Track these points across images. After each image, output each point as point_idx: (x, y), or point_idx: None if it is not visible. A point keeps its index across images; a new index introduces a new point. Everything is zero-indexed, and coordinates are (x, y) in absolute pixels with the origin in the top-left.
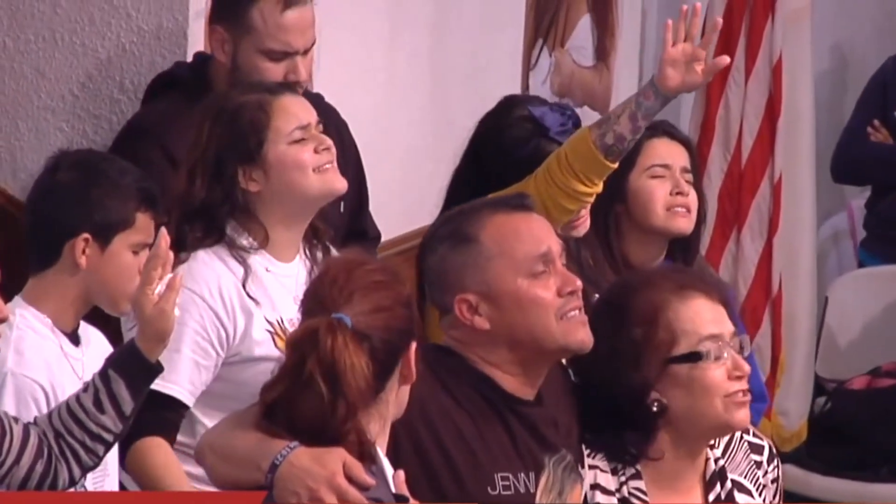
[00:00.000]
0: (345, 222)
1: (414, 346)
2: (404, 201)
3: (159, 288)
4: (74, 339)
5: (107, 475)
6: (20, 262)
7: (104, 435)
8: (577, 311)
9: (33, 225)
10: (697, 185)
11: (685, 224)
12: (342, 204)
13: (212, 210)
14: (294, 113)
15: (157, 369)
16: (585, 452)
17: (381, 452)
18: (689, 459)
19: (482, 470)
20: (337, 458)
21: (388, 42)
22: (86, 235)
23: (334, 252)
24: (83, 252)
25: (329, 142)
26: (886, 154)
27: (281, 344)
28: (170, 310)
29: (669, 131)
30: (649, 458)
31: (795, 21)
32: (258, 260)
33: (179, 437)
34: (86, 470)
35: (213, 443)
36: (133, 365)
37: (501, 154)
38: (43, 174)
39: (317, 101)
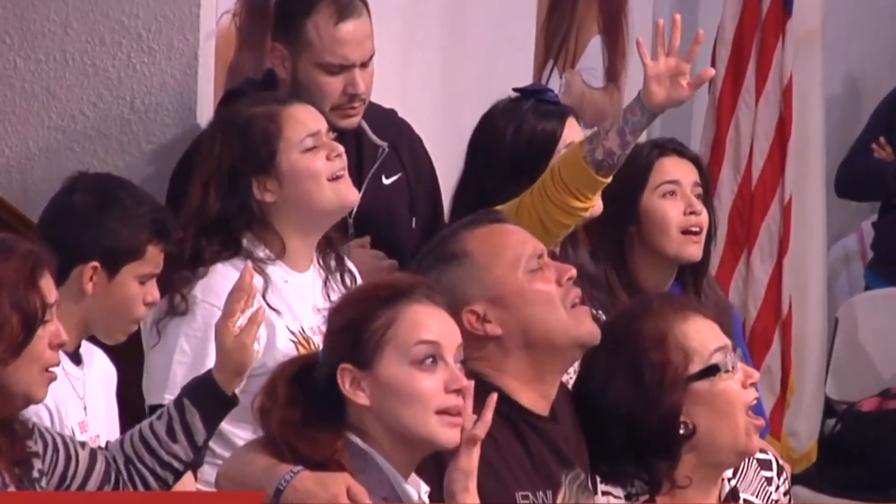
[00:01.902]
0: (417, 238)
1: (343, 369)
2: None
3: (241, 321)
4: (75, 358)
5: None
6: None
7: (174, 464)
8: (578, 301)
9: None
10: (708, 202)
11: (696, 251)
12: (413, 220)
13: (228, 223)
14: (304, 121)
15: (232, 401)
16: (598, 480)
17: (398, 477)
18: (706, 485)
19: (505, 489)
20: (340, 481)
21: (401, 64)
22: (95, 263)
23: (348, 262)
24: (91, 279)
25: (341, 149)
26: (886, 171)
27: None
28: (250, 343)
29: (678, 149)
30: (677, 485)
31: (806, 43)
32: (276, 271)
33: (218, 450)
34: None
35: (228, 470)
36: (209, 397)
37: (494, 143)
38: (59, 194)
39: (389, 116)
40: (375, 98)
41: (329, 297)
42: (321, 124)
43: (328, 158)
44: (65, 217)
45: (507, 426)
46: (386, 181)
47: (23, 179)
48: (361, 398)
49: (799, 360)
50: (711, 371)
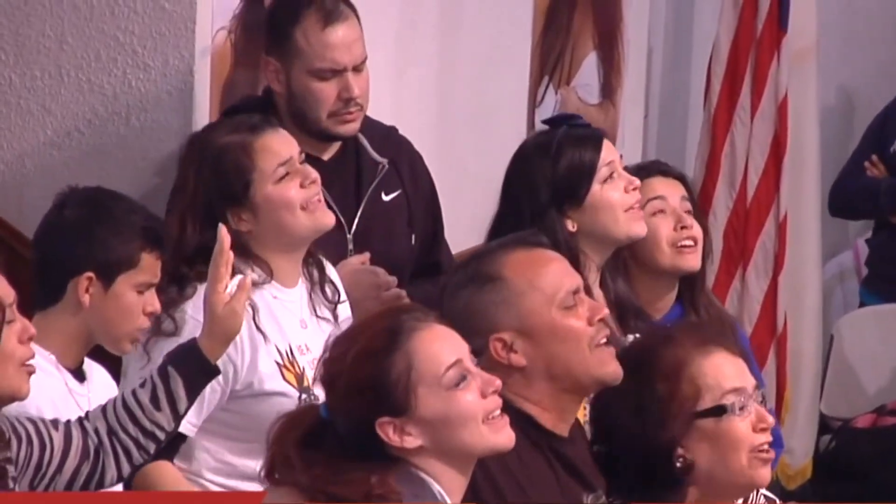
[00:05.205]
0: (416, 255)
1: (381, 423)
2: None
3: (231, 287)
4: (79, 375)
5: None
6: (24, 298)
7: (157, 432)
8: (606, 341)
9: (39, 262)
10: (699, 219)
11: (693, 260)
12: (413, 236)
13: (209, 252)
14: (275, 150)
15: (216, 370)
16: None
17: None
18: None
19: None
20: None
21: (395, 80)
22: (89, 274)
23: (329, 267)
24: (86, 290)
25: (315, 175)
26: (877, 188)
27: (289, 376)
28: (240, 310)
29: (662, 170)
30: None
31: (801, 60)
32: (264, 290)
33: (177, 463)
34: (136, 467)
35: None
36: (193, 364)
37: (532, 177)
38: (50, 211)
39: (388, 133)
40: (369, 114)
41: (315, 310)
42: (293, 150)
43: (302, 186)
44: (57, 233)
45: (533, 448)
46: (385, 198)
47: (18, 196)
48: (411, 442)
49: (794, 376)
50: (718, 411)
